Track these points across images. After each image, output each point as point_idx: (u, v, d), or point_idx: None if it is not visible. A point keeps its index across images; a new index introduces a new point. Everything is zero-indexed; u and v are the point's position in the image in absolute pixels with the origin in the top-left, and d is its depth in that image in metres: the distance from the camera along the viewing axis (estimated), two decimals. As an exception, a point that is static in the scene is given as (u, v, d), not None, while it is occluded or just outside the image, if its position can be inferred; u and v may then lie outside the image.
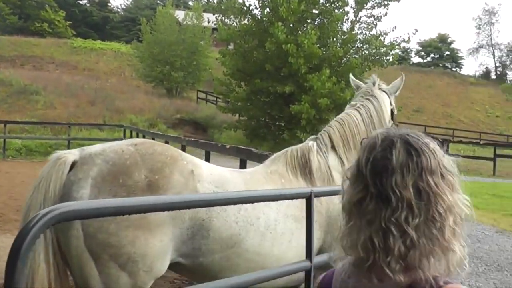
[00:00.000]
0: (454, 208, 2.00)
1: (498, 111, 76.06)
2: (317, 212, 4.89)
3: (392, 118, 6.21)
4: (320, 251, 4.94)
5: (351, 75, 6.78)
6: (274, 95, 32.22)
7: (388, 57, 34.22)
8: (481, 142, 45.26)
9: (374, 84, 6.20)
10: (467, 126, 66.97)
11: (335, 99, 29.49)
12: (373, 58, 33.44)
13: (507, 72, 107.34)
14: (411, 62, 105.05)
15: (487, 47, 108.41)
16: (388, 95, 6.20)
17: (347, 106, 6.14)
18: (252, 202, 3.45)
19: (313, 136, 5.76)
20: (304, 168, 5.20)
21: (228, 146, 12.36)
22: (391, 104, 6.19)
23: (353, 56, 33.36)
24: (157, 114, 41.53)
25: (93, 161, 4.16)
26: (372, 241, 1.86)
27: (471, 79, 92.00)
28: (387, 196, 1.86)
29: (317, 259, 3.58)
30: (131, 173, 4.13)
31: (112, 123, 36.04)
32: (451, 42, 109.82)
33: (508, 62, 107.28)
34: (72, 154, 4.26)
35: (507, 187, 21.99)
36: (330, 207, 5.01)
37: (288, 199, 3.63)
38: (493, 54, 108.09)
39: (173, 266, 4.47)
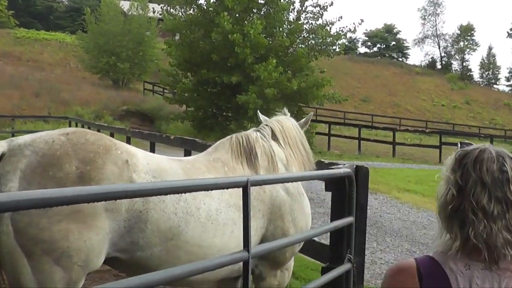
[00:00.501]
0: None
1: (444, 100, 77.49)
2: (260, 200, 4.83)
3: None
4: (263, 240, 4.89)
5: (258, 112, 6.87)
6: (221, 86, 32.18)
7: (334, 47, 34.50)
8: (427, 131, 45.94)
9: (285, 114, 6.20)
10: (414, 115, 68.03)
11: (282, 89, 29.57)
12: (319, 47, 33.63)
13: (452, 62, 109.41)
14: (357, 52, 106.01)
15: (433, 38, 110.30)
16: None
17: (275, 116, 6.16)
18: (184, 192, 3.35)
19: (254, 128, 5.71)
20: (250, 154, 5.11)
21: (172, 137, 12.32)
22: None
23: (300, 46, 33.42)
24: (103, 105, 41.02)
25: (22, 153, 3.98)
26: (504, 238, 2.28)
27: (417, 69, 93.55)
28: (509, 200, 2.31)
29: (256, 249, 3.52)
30: (61, 164, 3.95)
31: (57, 115, 35.40)
32: (397, 33, 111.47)
33: (453, 52, 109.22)
34: (0, 146, 4.10)
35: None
36: (273, 195, 4.95)
37: (222, 188, 3.53)
38: (438, 45, 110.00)
39: (110, 262, 4.32)
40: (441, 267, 2.37)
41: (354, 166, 5.32)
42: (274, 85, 29.09)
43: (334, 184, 5.16)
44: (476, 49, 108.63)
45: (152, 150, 12.82)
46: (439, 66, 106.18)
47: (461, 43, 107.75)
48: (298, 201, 5.15)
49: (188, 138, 11.63)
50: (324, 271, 5.10)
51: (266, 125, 5.68)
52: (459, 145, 2.62)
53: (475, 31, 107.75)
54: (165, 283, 2.84)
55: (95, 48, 50.22)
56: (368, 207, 16.43)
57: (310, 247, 6.11)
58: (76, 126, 27.84)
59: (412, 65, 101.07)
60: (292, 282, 8.74)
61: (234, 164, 5.01)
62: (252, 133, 5.43)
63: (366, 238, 12.21)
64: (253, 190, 4.03)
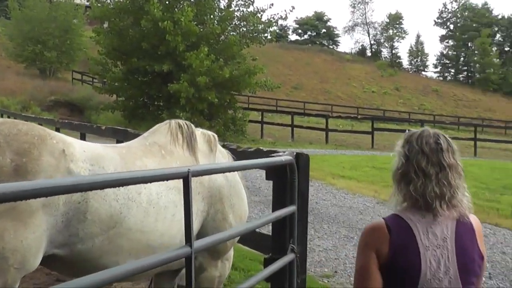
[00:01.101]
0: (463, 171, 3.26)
1: (374, 86, 78.70)
2: (199, 183, 4.67)
3: None
4: (204, 225, 4.73)
5: None
6: (152, 74, 31.80)
7: (266, 34, 34.46)
8: (359, 117, 46.49)
9: None
10: (345, 101, 68.83)
11: (214, 77, 29.36)
12: (251, 35, 33.51)
13: (382, 49, 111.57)
14: (288, 40, 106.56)
15: (362, 26, 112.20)
16: None
17: None
18: (121, 185, 3.14)
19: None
20: (190, 138, 4.93)
21: (103, 127, 12.06)
22: None
23: (231, 33, 33.25)
24: (30, 96, 39.93)
25: None
26: (434, 191, 3.05)
27: (348, 56, 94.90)
28: (441, 164, 3.11)
29: (199, 243, 3.34)
30: None
31: (-20, 106, 34.35)
32: (327, 20, 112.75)
33: (382, 40, 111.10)
34: None
35: (385, 159, 22.55)
36: (212, 178, 4.80)
37: (162, 180, 3.35)
38: (368, 32, 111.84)
39: (47, 261, 4.05)
40: (403, 219, 3.11)
41: (294, 154, 5.21)
42: (206, 73, 28.86)
43: (275, 173, 5.03)
44: (404, 37, 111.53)
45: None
46: (369, 54, 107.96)
47: (390, 31, 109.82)
48: (236, 187, 5.05)
49: (119, 128, 11.42)
50: (267, 262, 4.98)
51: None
52: (407, 132, 3.41)
53: (403, 19, 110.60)
54: (108, 283, 2.65)
55: (19, 35, 48.77)
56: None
57: (250, 237, 5.99)
58: (2, 117, 27.03)
59: (343, 52, 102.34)
60: (231, 273, 8.61)
61: (172, 147, 4.82)
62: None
63: (303, 226, 12.30)
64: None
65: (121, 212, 4.16)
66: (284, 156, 4.85)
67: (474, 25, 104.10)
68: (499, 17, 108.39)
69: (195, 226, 4.54)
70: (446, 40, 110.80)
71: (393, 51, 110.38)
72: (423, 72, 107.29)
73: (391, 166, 3.29)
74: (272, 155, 5.03)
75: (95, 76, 39.74)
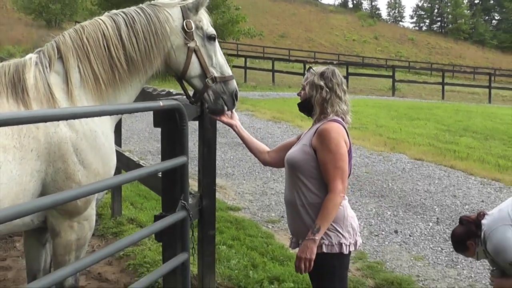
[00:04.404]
0: None
1: (355, 35, 77.91)
2: (32, 138, 3.36)
3: (188, 35, 3.92)
4: (45, 187, 3.47)
5: None
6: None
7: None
8: (335, 63, 45.26)
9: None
10: (327, 49, 67.76)
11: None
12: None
13: (362, 1, 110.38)
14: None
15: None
16: (183, 10, 4.00)
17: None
18: None
19: (38, 49, 3.88)
20: (16, 87, 3.52)
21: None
22: (183, 18, 3.95)
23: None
24: (34, 44, 38.56)
25: None
26: (344, 109, 3.87)
27: (331, 7, 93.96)
28: (329, 90, 3.81)
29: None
30: None
31: (-11, 53, 33.08)
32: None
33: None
34: None
35: (356, 102, 21.43)
36: (50, 131, 3.44)
37: None
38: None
39: None
40: (341, 122, 3.82)
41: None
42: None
43: (163, 119, 3.89)
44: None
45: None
46: (350, 5, 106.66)
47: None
48: (88, 138, 3.60)
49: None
50: (156, 220, 3.89)
51: (54, 40, 3.86)
52: (311, 68, 3.98)
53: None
54: None
55: (27, -12, 47.14)
56: (269, 136, 15.07)
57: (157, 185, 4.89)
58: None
59: (326, 4, 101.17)
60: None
61: None
62: (23, 59, 3.73)
63: (262, 168, 11.16)
64: (23, 127, 3.28)
65: None
66: (171, 100, 3.73)
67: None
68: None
69: (32, 188, 3.37)
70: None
71: (373, 3, 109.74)
72: (400, 23, 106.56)
73: (308, 93, 3.86)
74: (160, 99, 3.91)
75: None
